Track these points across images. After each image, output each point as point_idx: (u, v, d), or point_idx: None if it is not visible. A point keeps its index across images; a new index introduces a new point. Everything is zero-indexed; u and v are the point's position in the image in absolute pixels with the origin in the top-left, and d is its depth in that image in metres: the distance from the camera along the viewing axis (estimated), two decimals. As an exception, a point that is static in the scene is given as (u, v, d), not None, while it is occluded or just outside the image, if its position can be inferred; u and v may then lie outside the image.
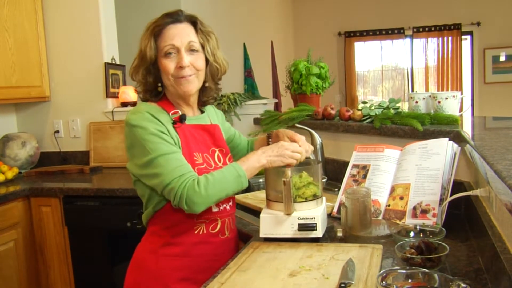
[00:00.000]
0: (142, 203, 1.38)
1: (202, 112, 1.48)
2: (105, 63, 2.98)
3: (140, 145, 1.24)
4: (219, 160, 1.39)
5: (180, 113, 1.34)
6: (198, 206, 1.21)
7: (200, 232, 1.34)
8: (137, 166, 1.27)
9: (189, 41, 1.30)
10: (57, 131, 3.15)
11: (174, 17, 1.31)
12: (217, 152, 1.41)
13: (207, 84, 1.40)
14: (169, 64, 1.29)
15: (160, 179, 1.22)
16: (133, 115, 1.28)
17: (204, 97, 1.45)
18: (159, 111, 1.31)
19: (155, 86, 1.36)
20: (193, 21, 1.34)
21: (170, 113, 1.32)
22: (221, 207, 1.37)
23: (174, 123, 1.31)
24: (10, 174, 2.66)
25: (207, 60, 1.36)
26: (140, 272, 1.34)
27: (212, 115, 1.52)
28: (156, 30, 1.30)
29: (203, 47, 1.34)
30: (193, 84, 1.33)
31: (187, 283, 1.31)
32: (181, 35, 1.30)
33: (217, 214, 1.36)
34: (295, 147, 1.34)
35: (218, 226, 1.37)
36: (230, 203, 1.42)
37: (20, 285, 2.38)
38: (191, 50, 1.31)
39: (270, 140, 1.53)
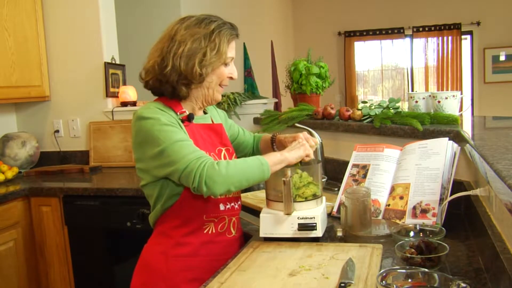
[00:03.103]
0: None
1: (205, 113, 1.50)
2: (105, 62, 2.98)
3: (153, 135, 1.24)
4: (225, 159, 1.40)
5: (188, 113, 1.36)
6: (218, 186, 1.17)
7: (209, 232, 1.35)
8: (150, 158, 1.26)
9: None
10: (57, 131, 3.15)
11: (236, 32, 1.40)
12: (223, 151, 1.43)
13: None
14: (225, 72, 1.37)
15: (176, 166, 1.20)
16: (144, 110, 1.30)
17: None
18: (168, 109, 1.33)
19: (172, 86, 1.32)
20: None
21: (178, 112, 1.33)
22: (229, 206, 1.39)
23: (182, 121, 1.33)
24: (10, 174, 2.66)
25: None
26: (149, 273, 1.34)
27: (215, 115, 1.54)
28: (231, 39, 1.36)
29: None
30: None
31: (196, 283, 1.29)
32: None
33: (225, 213, 1.37)
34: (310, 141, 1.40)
35: (226, 225, 1.39)
36: (239, 202, 1.45)
37: (20, 285, 2.38)
38: None
39: (274, 144, 1.56)
